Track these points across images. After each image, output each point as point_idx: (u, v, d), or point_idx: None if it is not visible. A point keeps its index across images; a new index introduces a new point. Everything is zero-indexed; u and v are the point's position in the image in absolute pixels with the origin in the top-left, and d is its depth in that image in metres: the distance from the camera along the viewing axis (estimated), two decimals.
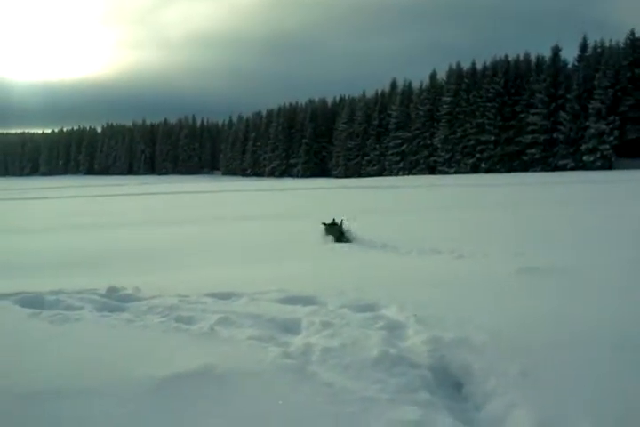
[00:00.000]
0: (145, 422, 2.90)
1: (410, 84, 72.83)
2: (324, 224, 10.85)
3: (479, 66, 66.18)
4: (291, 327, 4.23)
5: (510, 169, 60.15)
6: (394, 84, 75.55)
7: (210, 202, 25.12)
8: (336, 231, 10.66)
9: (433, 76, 70.85)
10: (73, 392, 3.12)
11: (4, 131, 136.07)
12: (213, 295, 5.20)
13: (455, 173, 63.28)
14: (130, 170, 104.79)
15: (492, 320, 4.07)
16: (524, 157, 60.27)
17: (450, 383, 3.34)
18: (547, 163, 58.21)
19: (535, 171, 57.08)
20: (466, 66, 67.29)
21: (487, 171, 61.62)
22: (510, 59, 63.86)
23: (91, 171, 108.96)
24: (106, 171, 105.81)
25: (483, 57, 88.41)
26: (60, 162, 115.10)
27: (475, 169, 63.24)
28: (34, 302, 5.16)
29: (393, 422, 2.75)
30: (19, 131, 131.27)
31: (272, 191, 35.96)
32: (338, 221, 11.00)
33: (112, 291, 5.48)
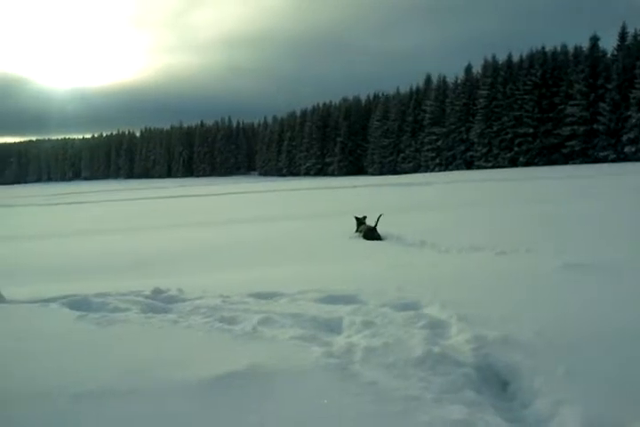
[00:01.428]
0: (191, 423, 2.95)
1: (444, 78, 72.20)
2: (356, 218, 11.13)
3: (515, 58, 65.17)
4: (332, 327, 4.25)
5: (549, 162, 59.08)
6: (428, 80, 74.95)
7: (252, 202, 25.36)
8: (365, 227, 10.78)
9: (468, 69, 70.00)
10: (121, 393, 3.19)
11: (46, 137, 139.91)
12: (255, 295, 5.26)
13: (493, 167, 62.43)
14: (169, 172, 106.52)
15: (535, 318, 4.02)
16: (564, 150, 59.13)
17: (495, 382, 3.31)
18: (587, 155, 56.95)
19: (575, 163, 55.90)
20: (502, 58, 66.32)
21: (526, 164, 60.62)
22: (547, 50, 62.65)
23: (130, 175, 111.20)
24: (145, 174, 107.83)
25: (519, 49, 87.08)
26: (101, 166, 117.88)
27: (513, 163, 62.29)
28: (81, 304, 5.30)
29: (439, 421, 2.74)
30: (59, 137, 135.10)
31: (309, 190, 36.01)
32: (373, 218, 11.03)
33: (157, 292, 5.59)
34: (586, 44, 59.21)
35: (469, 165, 66.50)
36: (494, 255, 7.76)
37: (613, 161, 53.45)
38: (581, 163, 55.43)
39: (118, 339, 4.15)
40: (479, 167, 64.09)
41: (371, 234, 10.62)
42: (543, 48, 62.83)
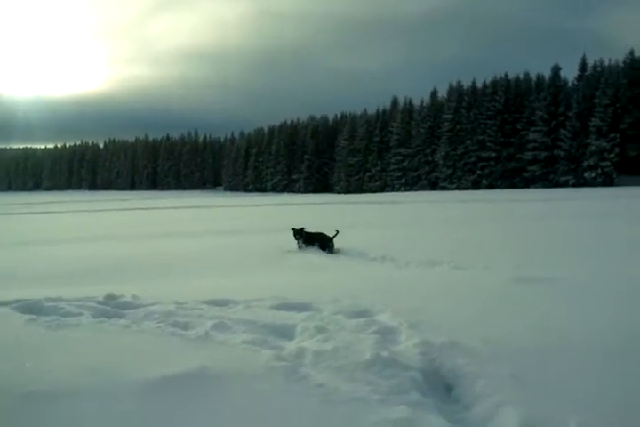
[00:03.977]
0: (137, 422, 2.94)
1: (410, 101, 73.45)
2: (293, 229, 11.13)
3: (479, 84, 66.74)
4: (285, 332, 4.27)
5: (511, 185, 60.34)
6: (395, 102, 76.17)
7: (209, 217, 25.18)
8: (303, 237, 10.96)
9: (434, 93, 71.46)
10: (67, 393, 3.17)
11: (7, 146, 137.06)
12: (210, 303, 5.25)
13: (456, 189, 63.44)
14: (132, 185, 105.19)
15: (483, 326, 4.12)
16: (525, 174, 60.49)
17: (441, 385, 3.38)
18: (548, 179, 58.39)
19: (536, 187, 57.24)
20: (466, 84, 67.88)
21: (488, 187, 61.78)
22: (510, 77, 64.41)
23: (93, 186, 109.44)
24: (108, 186, 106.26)
25: (482, 74, 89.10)
26: (63, 177, 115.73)
27: (476, 185, 63.42)
28: (33, 308, 5.21)
29: (383, 420, 2.79)
30: (21, 146, 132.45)
31: (274, 206, 35.99)
32: (331, 232, 11.12)
33: (110, 298, 5.53)
34: (548, 73, 61.14)
35: (434, 186, 67.47)
36: (450, 269, 7.91)
37: (574, 186, 54.87)
38: (542, 187, 56.77)
39: (68, 342, 4.10)
40: (443, 188, 65.07)
41: (310, 238, 10.93)
42: (506, 75, 64.62)
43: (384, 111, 76.19)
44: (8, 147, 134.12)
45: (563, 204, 26.38)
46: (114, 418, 2.97)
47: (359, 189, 72.69)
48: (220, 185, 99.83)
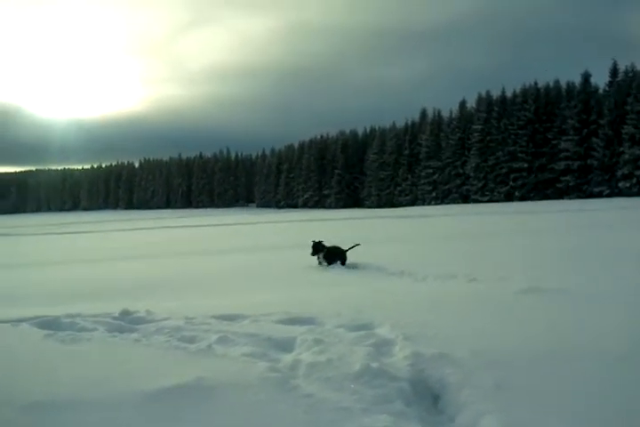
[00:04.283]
0: None
1: (439, 113, 73.26)
2: (313, 242, 10.94)
3: (509, 93, 66.28)
4: (285, 345, 4.41)
5: (544, 197, 59.46)
6: (423, 114, 76.04)
7: (238, 234, 25.55)
8: (326, 252, 10.76)
9: (462, 104, 71.10)
10: (70, 404, 3.35)
11: (45, 167, 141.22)
12: (219, 317, 5.42)
13: (489, 201, 62.76)
14: (167, 204, 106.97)
15: (478, 337, 4.19)
16: (559, 185, 59.56)
17: (427, 395, 3.47)
18: (581, 190, 57.40)
19: (570, 198, 56.25)
20: (495, 93, 67.45)
21: (521, 199, 60.98)
22: (540, 85, 63.81)
23: (130, 205, 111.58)
24: (144, 205, 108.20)
25: (512, 82, 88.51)
26: (100, 197, 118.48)
27: (508, 197, 62.65)
28: (51, 324, 5.46)
29: None
30: (59, 167, 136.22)
31: (305, 222, 36.23)
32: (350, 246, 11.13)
33: (125, 314, 5.75)
34: (578, 80, 60.40)
35: (465, 199, 66.86)
36: (466, 282, 7.94)
37: (608, 196, 53.83)
38: (576, 198, 55.79)
39: (78, 355, 4.31)
40: (475, 201, 64.43)
41: (331, 254, 10.75)
42: (536, 83, 64.04)
43: (413, 124, 76.14)
44: (47, 168, 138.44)
45: (590, 215, 26.02)
46: None
47: (390, 203, 72.57)
48: (253, 202, 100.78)
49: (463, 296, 6.20)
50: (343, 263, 10.88)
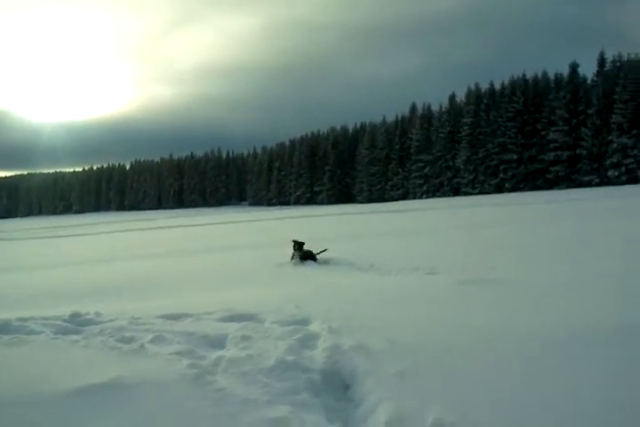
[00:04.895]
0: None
1: (429, 107, 73.40)
2: (294, 242, 11.33)
3: (497, 85, 66.47)
4: (217, 342, 4.51)
5: (535, 187, 59.70)
6: (413, 108, 76.12)
7: (220, 233, 25.68)
8: (301, 251, 11.13)
9: (452, 97, 71.24)
10: None
11: (37, 171, 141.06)
12: (164, 317, 5.52)
13: (479, 193, 62.97)
14: (159, 204, 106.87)
15: (401, 328, 4.31)
16: (548, 175, 59.79)
17: (338, 385, 3.59)
18: (571, 180, 57.63)
19: (560, 188, 56.49)
20: (484, 86, 67.63)
21: (511, 190, 61.20)
22: (528, 77, 63.98)
23: (121, 207, 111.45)
24: (136, 206, 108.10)
25: (501, 74, 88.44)
26: (92, 199, 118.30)
27: (499, 189, 62.88)
28: (2, 328, 5.54)
29: (262, 419, 3.02)
30: (50, 171, 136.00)
31: (293, 219, 36.37)
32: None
33: (75, 316, 5.85)
34: (566, 71, 60.54)
35: (456, 192, 67.05)
36: (424, 275, 8.09)
37: (598, 185, 54.06)
38: (566, 188, 56.01)
39: (13, 358, 4.41)
40: (466, 194, 64.61)
41: (305, 255, 11.11)
42: (524, 75, 64.21)
43: (403, 118, 76.26)
44: (38, 172, 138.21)
45: (574, 204, 26.20)
46: (29, 424, 3.25)
47: (381, 198, 72.70)
48: (245, 200, 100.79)
49: (409, 289, 6.34)
50: (315, 260, 11.13)
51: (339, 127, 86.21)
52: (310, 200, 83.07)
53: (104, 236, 30.83)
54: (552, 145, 58.99)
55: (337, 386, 3.57)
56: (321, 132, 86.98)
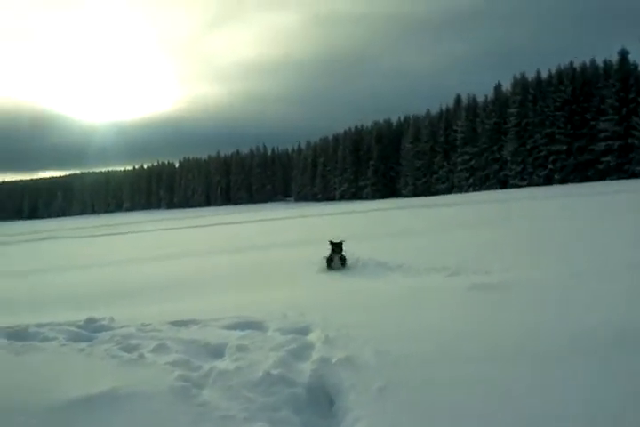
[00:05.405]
0: None
1: (474, 97, 72.07)
2: (331, 243, 10.41)
3: (544, 74, 64.71)
4: (217, 352, 4.52)
5: (585, 179, 57.94)
6: (458, 100, 74.88)
7: (269, 230, 25.89)
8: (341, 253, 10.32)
9: (498, 88, 69.78)
10: None
11: (89, 170, 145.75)
12: (173, 323, 5.57)
13: (528, 185, 61.47)
14: (207, 201, 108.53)
15: (394, 338, 4.23)
16: (599, 166, 57.93)
17: (323, 400, 3.54)
18: (623, 170, 55.69)
19: (612, 179, 54.65)
20: (531, 75, 65.95)
21: (561, 181, 59.58)
22: (576, 65, 62.07)
23: (171, 204, 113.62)
24: (185, 204, 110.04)
25: (547, 64, 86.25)
26: (142, 197, 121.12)
27: (548, 180, 61.28)
28: (19, 334, 5.71)
29: None
30: (102, 169, 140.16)
31: (331, 216, 36.34)
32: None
33: (89, 322, 5.97)
34: (615, 58, 58.42)
35: (504, 185, 65.65)
36: (444, 277, 7.96)
37: None
38: (618, 178, 54.18)
39: (19, 365, 4.52)
40: (514, 186, 63.19)
41: (330, 262, 10.30)
42: (572, 64, 62.30)
43: (447, 110, 75.16)
44: (91, 171, 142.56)
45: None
46: None
47: (427, 191, 71.87)
48: (290, 196, 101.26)
49: (423, 293, 6.23)
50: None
51: (382, 121, 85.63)
52: (355, 195, 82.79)
53: (149, 234, 31.51)
54: (602, 135, 57.14)
55: (321, 401, 3.53)
56: (364, 127, 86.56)
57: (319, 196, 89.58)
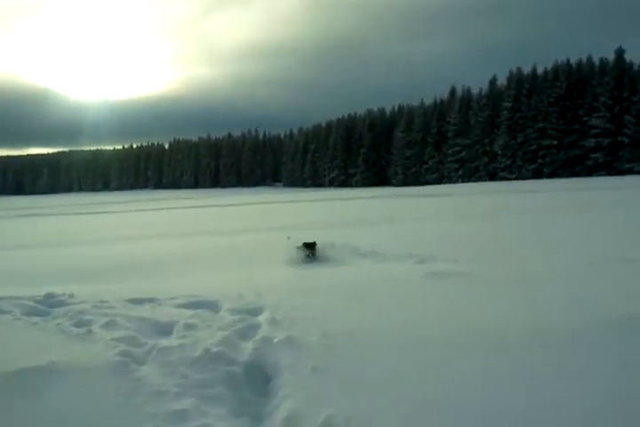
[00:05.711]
0: None
1: (469, 90, 72.00)
2: (305, 244, 10.19)
3: (540, 70, 64.70)
4: (165, 329, 4.54)
5: (573, 174, 58.29)
6: (453, 91, 74.80)
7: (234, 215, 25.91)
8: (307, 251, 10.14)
9: (493, 81, 69.73)
10: None
11: (78, 148, 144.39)
12: (130, 301, 5.58)
13: (516, 178, 61.78)
14: (196, 183, 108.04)
15: (345, 320, 4.27)
16: (588, 162, 58.22)
17: (260, 378, 3.58)
18: (611, 167, 56.00)
19: (600, 175, 55.04)
20: (526, 70, 65.91)
21: (549, 176, 59.90)
22: (572, 61, 62.10)
23: (159, 185, 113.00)
24: (173, 185, 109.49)
25: (544, 55, 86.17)
26: (130, 177, 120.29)
27: (537, 175, 61.58)
28: None
29: (162, 411, 3.04)
30: (91, 148, 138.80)
31: (320, 201, 36.37)
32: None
33: (48, 297, 5.96)
34: (611, 56, 58.47)
35: (493, 177, 65.90)
36: (413, 264, 8.02)
37: (639, 173, 52.54)
38: (606, 175, 54.55)
39: None
40: (503, 179, 63.47)
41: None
42: (568, 60, 62.29)
43: (441, 101, 75.05)
44: (79, 149, 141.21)
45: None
46: None
47: (416, 181, 71.99)
48: (280, 181, 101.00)
49: (387, 278, 6.28)
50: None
51: (376, 109, 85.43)
52: (344, 183, 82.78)
53: (132, 214, 31.41)
54: (593, 131, 57.33)
55: (258, 379, 3.56)
56: (357, 114, 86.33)
57: (308, 182, 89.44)
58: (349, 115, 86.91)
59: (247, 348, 3.89)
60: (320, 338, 3.85)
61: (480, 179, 66.18)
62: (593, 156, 57.59)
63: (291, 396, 3.12)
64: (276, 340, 3.90)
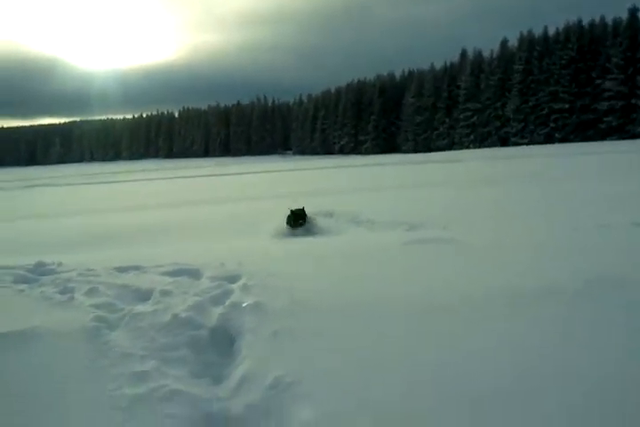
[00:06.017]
0: None
1: (480, 53, 70.84)
2: (292, 211, 9.77)
3: (551, 31, 63.32)
4: (144, 296, 4.68)
5: (586, 138, 57.55)
6: (464, 54, 73.55)
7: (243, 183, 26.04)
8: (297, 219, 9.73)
9: (504, 43, 68.45)
10: None
11: (89, 118, 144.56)
12: (116, 269, 5.73)
13: (528, 143, 61.14)
14: (206, 152, 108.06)
15: (314, 288, 4.38)
16: (601, 125, 57.42)
17: (224, 342, 3.73)
18: (624, 130, 55.21)
19: (612, 139, 54.30)
20: (537, 32, 64.51)
21: (561, 140, 59.20)
22: (584, 22, 60.63)
23: (170, 154, 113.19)
24: (183, 154, 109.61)
25: (556, 20, 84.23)
26: (141, 146, 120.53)
27: (549, 139, 60.89)
28: None
29: (126, 372, 3.20)
30: (102, 117, 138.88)
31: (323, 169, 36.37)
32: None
33: (38, 266, 6.14)
34: (625, 16, 56.98)
35: (504, 142, 65.29)
36: (401, 231, 8.12)
37: None
38: (618, 139, 53.82)
39: None
40: (514, 144, 62.86)
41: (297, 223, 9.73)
42: (580, 21, 60.82)
43: (452, 65, 73.93)
44: (90, 119, 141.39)
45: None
46: None
47: (427, 147, 71.51)
48: (290, 149, 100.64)
49: (359, 247, 6.38)
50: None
51: (385, 74, 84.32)
52: (354, 150, 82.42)
53: (136, 183, 31.64)
54: (606, 94, 56.42)
55: (222, 343, 3.71)
56: (367, 80, 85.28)
57: (318, 149, 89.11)
58: (359, 80, 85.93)
59: (216, 313, 4.03)
60: (288, 304, 3.97)
61: (492, 144, 65.65)
62: (606, 119, 56.81)
63: (248, 357, 3.27)
64: (244, 304, 4.04)
